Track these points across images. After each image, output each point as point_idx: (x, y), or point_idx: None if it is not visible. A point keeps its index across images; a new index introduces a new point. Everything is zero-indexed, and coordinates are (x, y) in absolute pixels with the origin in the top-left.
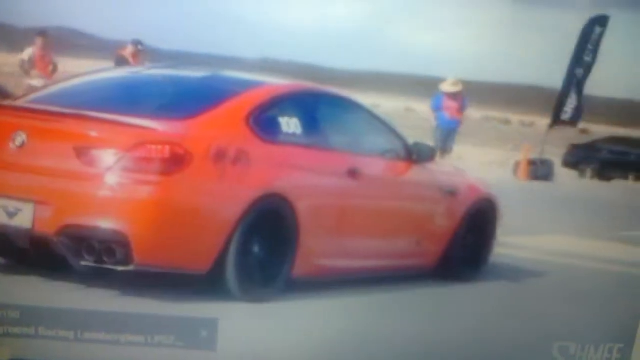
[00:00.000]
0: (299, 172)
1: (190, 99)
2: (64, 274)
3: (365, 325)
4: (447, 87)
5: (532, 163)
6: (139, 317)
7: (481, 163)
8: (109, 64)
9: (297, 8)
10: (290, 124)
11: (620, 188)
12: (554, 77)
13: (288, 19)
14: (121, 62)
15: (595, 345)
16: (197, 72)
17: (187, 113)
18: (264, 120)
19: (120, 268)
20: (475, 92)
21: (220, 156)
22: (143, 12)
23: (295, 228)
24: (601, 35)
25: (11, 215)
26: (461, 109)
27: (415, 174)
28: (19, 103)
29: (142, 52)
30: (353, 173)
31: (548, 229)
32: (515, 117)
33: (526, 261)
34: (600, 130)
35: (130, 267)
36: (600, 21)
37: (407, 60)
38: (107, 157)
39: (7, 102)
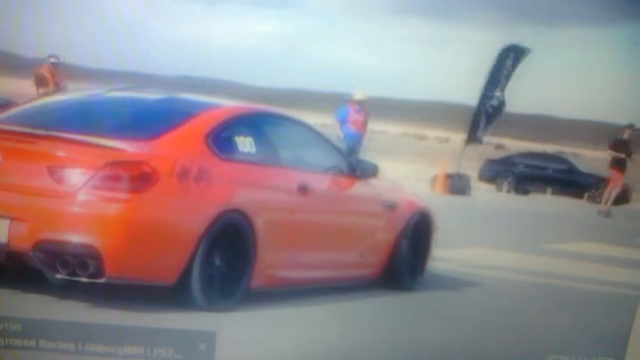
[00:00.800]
0: (255, 189)
1: (152, 120)
2: (41, 287)
3: (355, 332)
4: (358, 95)
5: (449, 177)
6: (139, 330)
7: (398, 177)
8: (28, 81)
9: (215, 25)
10: (245, 143)
11: (537, 202)
12: (469, 94)
13: (207, 36)
14: (39, 79)
15: (588, 358)
16: (154, 95)
17: (151, 133)
18: (221, 140)
19: (92, 280)
20: (392, 109)
21: (184, 174)
22: (62, 29)
23: (253, 241)
24: (516, 61)
25: None
26: (365, 123)
27: (359, 189)
28: None
29: (58, 65)
30: (303, 189)
31: (467, 242)
32: (431, 133)
33: (450, 273)
34: (515, 145)
35: (102, 280)
36: (516, 50)
37: (325, 77)
38: (79, 176)
39: None
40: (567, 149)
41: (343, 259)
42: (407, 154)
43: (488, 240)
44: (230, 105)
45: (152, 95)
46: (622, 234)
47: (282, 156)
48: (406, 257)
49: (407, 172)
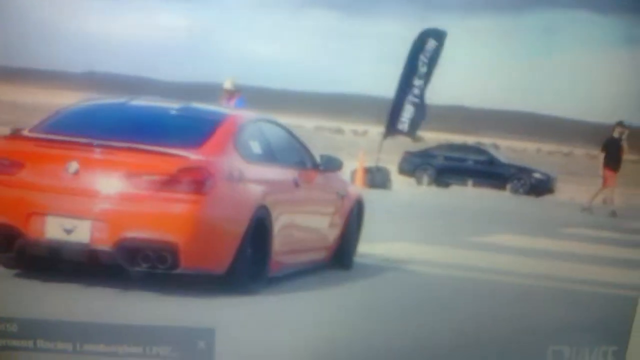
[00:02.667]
0: (271, 186)
1: (192, 128)
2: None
3: (353, 321)
4: (226, 85)
5: (368, 171)
6: (137, 328)
7: None
8: None
9: (121, 21)
10: (255, 146)
11: (458, 194)
12: (385, 86)
13: (113, 32)
14: None
15: (589, 349)
16: (173, 104)
17: (197, 141)
18: (242, 144)
19: (169, 272)
20: (307, 103)
21: (230, 175)
22: None
23: (271, 233)
24: (437, 48)
25: (68, 232)
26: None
27: (323, 181)
28: (64, 137)
29: None
30: (296, 183)
31: (389, 237)
32: (347, 127)
33: (373, 267)
34: (433, 137)
35: (178, 271)
36: (435, 34)
37: (233, 70)
38: (154, 181)
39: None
40: (486, 140)
41: (314, 243)
42: (324, 147)
43: (408, 235)
44: (240, 112)
45: (171, 104)
46: (547, 226)
47: (278, 155)
48: (352, 239)
49: None
